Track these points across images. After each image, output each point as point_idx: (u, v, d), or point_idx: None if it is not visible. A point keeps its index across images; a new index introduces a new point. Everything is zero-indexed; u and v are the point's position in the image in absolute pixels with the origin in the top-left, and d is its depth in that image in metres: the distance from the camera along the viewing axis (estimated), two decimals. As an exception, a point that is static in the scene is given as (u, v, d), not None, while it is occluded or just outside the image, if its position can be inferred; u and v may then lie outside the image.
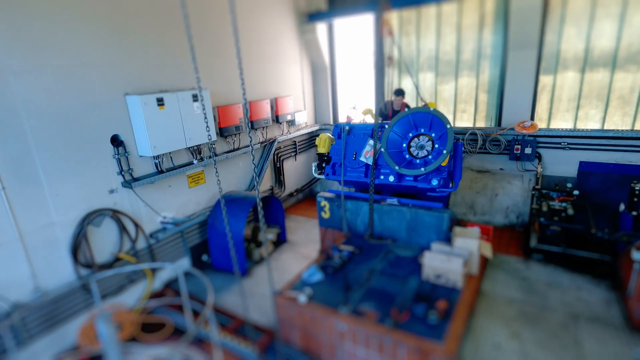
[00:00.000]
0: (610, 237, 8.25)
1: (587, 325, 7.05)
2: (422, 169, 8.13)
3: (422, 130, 8.34)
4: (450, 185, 8.55)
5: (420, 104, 10.58)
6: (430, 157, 8.26)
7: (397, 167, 8.31)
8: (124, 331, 7.35)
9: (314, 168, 9.62)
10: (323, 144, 9.30)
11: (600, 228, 8.64)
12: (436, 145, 8.23)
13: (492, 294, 8.05)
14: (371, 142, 8.90)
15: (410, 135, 8.45)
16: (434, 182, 8.31)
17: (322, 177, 9.52)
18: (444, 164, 8.15)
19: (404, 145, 8.44)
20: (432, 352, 5.62)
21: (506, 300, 7.84)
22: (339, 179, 9.24)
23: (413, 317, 6.28)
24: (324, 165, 9.39)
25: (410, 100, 11.92)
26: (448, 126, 8.04)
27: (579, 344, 6.62)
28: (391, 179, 8.65)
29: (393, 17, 11.76)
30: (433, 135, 8.25)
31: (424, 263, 7.19)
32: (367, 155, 8.93)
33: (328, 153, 9.43)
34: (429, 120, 8.25)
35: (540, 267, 8.92)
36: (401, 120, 8.42)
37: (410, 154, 8.43)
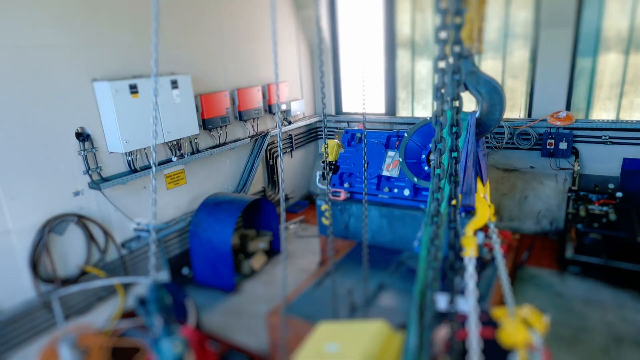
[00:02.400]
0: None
1: (632, 349, 7.04)
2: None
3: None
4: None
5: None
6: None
7: (416, 179, 8.32)
8: (91, 357, 7.33)
9: (317, 178, 9.64)
10: (331, 152, 9.30)
11: (648, 236, 8.64)
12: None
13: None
14: (391, 153, 8.94)
15: (431, 145, 8.48)
16: None
17: (328, 188, 9.56)
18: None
19: (423, 156, 8.45)
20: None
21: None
22: (348, 190, 9.30)
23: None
24: (330, 174, 9.36)
25: (426, 86, 11.91)
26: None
27: (622, 371, 6.62)
28: (406, 192, 8.69)
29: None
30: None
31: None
32: (388, 169, 8.96)
33: (336, 161, 9.47)
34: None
35: (578, 281, 8.91)
36: (422, 128, 8.42)
37: (429, 165, 8.44)
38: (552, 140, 10.56)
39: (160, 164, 9.07)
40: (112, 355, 7.76)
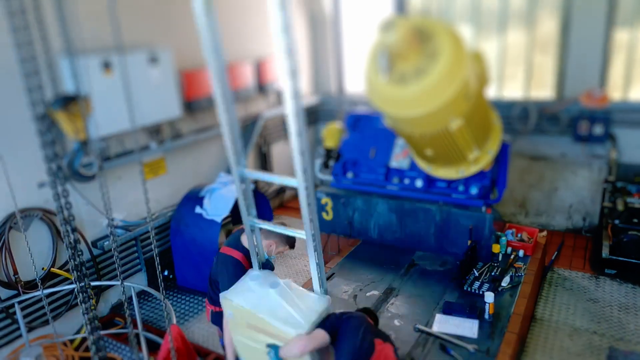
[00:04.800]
0: None
1: (676, 362, 7.04)
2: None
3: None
4: (491, 195, 8.56)
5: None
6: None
7: (431, 167, 8.31)
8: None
9: (317, 167, 9.59)
10: (331, 137, 9.13)
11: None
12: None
13: (550, 322, 8.03)
14: (401, 141, 8.91)
15: None
16: (473, 191, 8.32)
17: (329, 178, 9.52)
18: (486, 168, 8.15)
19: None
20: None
21: (569, 330, 7.81)
22: (352, 182, 9.27)
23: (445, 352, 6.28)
24: (331, 163, 9.29)
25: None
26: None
27: (666, 387, 6.61)
28: (419, 184, 8.67)
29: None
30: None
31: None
32: (398, 159, 8.94)
33: (337, 148, 9.42)
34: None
35: (615, 285, 8.91)
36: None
37: None
38: (586, 124, 10.50)
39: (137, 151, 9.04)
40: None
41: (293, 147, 3.94)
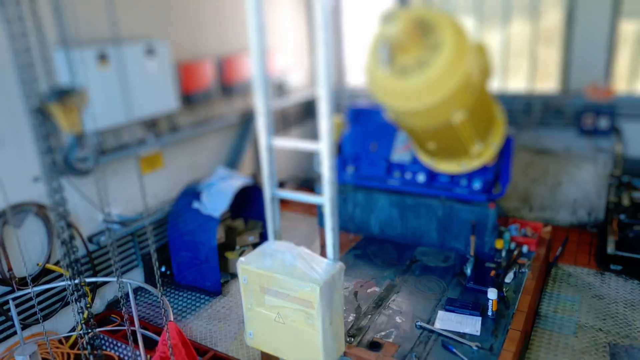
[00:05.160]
0: None
1: (683, 360, 7.04)
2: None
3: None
4: (494, 190, 8.56)
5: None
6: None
7: (433, 161, 8.30)
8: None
9: (316, 162, 9.58)
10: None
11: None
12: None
13: (555, 319, 8.03)
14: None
15: None
16: (476, 185, 8.32)
17: None
18: (490, 162, 8.15)
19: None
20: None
21: (573, 327, 7.81)
22: (353, 177, 9.26)
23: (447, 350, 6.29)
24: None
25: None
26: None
27: (673, 385, 6.61)
28: (421, 178, 8.67)
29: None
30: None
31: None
32: (399, 153, 8.93)
33: (337, 142, 9.42)
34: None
35: (620, 281, 8.91)
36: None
37: None
38: (591, 117, 10.50)
39: (133, 145, 9.02)
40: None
41: (320, 110, 4.26)
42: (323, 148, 4.38)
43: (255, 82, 4.67)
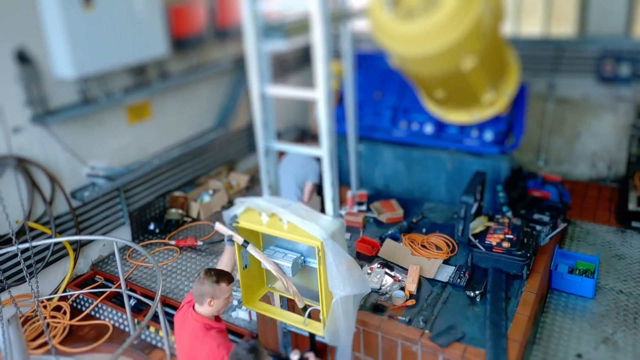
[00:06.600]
0: None
1: None
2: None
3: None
4: (507, 141, 8.50)
5: None
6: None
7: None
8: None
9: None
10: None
11: None
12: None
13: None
14: None
15: None
16: (488, 136, 8.25)
17: None
18: (502, 112, 8.08)
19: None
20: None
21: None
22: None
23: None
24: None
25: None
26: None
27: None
28: (428, 129, 8.59)
29: None
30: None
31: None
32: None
33: (338, 89, 9.33)
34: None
35: (643, 239, 8.87)
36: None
37: None
38: (611, 63, 10.39)
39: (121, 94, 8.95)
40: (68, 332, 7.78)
41: (317, 54, 4.41)
42: (320, 96, 4.31)
43: (245, 23, 4.61)
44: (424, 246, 7.43)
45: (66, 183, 8.52)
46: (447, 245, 7.50)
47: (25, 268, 5.86)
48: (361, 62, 9.52)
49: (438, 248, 7.47)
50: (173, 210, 9.85)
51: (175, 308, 7.65)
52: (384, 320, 6.15)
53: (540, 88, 11.18)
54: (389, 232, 7.86)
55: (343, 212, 8.26)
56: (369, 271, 7.03)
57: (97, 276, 8.75)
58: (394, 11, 5.74)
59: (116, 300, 8.15)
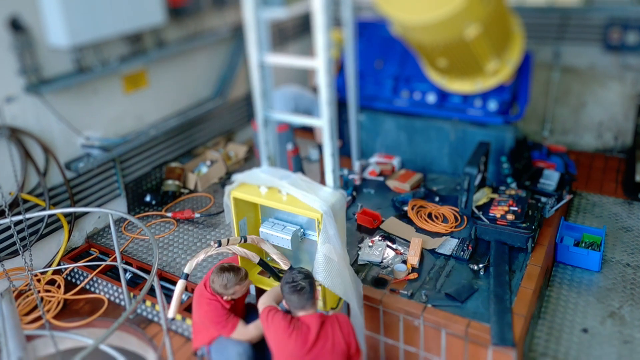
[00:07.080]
0: None
1: None
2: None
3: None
4: (512, 111, 8.45)
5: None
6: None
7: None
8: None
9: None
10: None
11: None
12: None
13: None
14: None
15: None
16: (492, 106, 8.20)
17: None
18: (507, 81, 8.02)
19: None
20: (486, 341, 5.56)
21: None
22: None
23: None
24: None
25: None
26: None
27: None
28: (431, 99, 8.55)
29: None
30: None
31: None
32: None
33: (338, 58, 9.27)
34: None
35: (650, 211, 8.84)
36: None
37: None
38: (618, 30, 10.29)
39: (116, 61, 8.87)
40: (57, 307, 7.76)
41: (316, 22, 4.40)
42: (319, 65, 4.24)
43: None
44: (431, 216, 7.45)
45: (60, 154, 8.44)
46: (456, 219, 7.49)
47: (18, 241, 5.81)
48: (362, 30, 9.45)
49: (445, 220, 7.47)
50: (170, 182, 9.77)
51: (172, 282, 7.65)
52: (386, 294, 6.14)
53: (545, 57, 11.10)
54: (401, 196, 7.94)
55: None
56: (370, 244, 7.00)
57: (92, 249, 8.70)
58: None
59: (111, 273, 8.11)
